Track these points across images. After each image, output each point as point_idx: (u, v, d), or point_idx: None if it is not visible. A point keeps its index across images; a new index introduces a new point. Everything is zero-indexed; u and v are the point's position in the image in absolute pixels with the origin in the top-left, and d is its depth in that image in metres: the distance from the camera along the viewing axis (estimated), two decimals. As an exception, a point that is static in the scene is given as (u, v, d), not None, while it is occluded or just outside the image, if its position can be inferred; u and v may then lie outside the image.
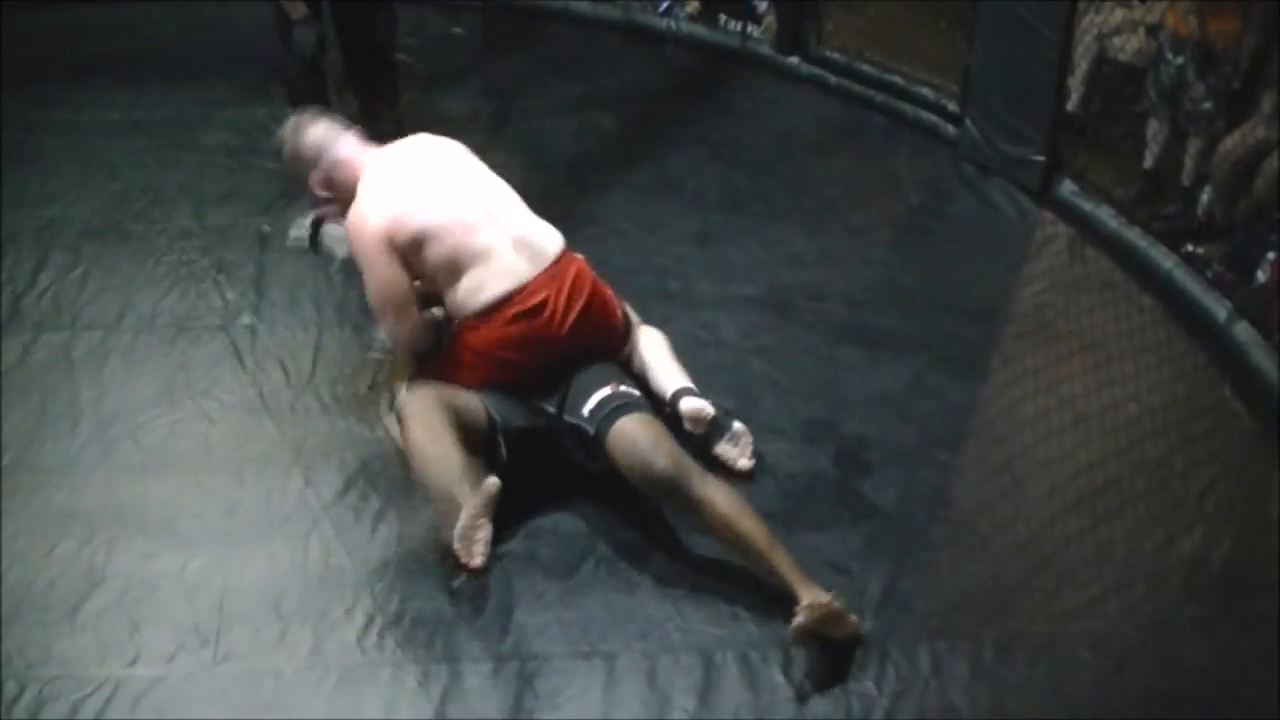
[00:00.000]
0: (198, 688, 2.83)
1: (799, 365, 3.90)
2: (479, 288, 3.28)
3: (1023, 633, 3.02)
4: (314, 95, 4.57)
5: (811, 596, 2.86)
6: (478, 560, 3.05)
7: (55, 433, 3.55)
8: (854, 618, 2.93)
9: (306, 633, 2.96)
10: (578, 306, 3.34)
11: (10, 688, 2.79)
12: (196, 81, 5.74)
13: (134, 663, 2.87)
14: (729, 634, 2.97)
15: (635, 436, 3.14)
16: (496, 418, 3.27)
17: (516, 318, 3.28)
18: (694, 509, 3.05)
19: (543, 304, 3.30)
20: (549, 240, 3.39)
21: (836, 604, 2.87)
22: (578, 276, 3.37)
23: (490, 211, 3.35)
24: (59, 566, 3.12)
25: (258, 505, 3.32)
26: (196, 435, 3.56)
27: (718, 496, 3.04)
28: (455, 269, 3.29)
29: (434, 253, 3.27)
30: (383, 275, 3.30)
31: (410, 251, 3.28)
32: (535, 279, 3.30)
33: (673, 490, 3.07)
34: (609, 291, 3.47)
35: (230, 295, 4.17)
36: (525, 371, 3.33)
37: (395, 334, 3.40)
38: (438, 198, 3.32)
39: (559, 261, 3.36)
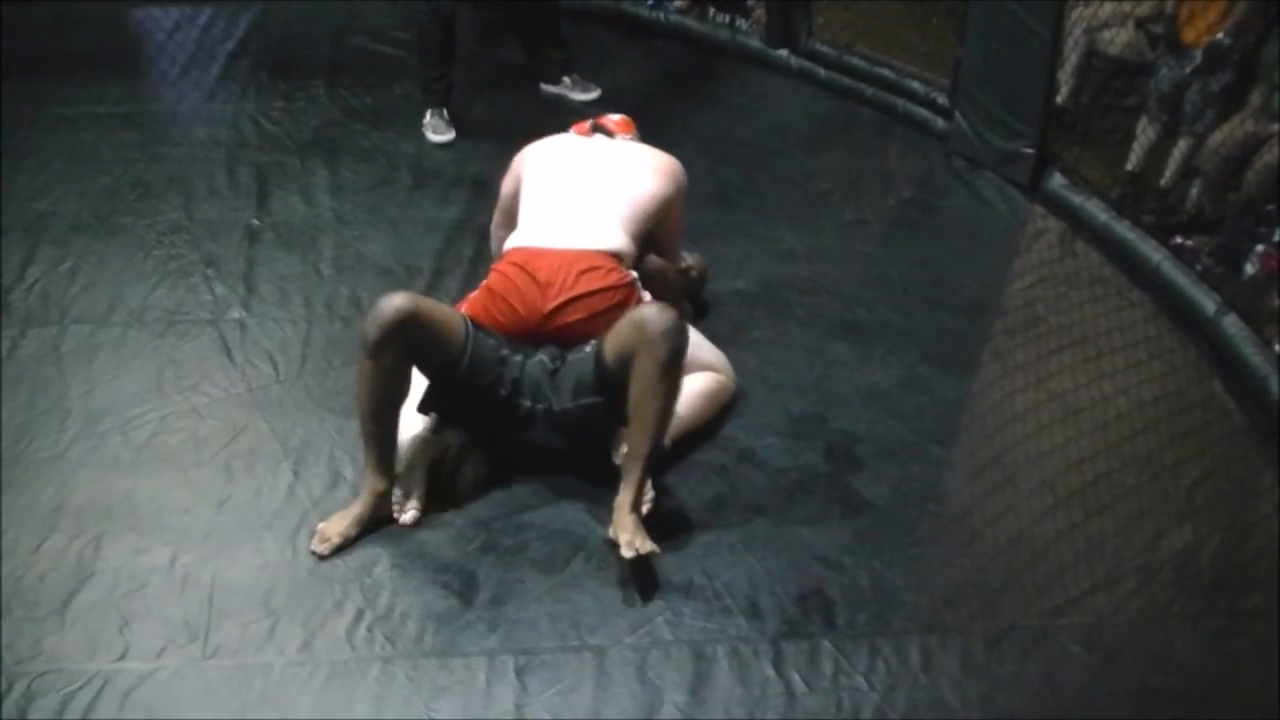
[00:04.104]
0: (187, 683, 2.81)
1: (790, 360, 3.90)
2: (523, 227, 3.59)
3: (1013, 627, 3.02)
4: (443, 50, 5.10)
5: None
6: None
7: (44, 428, 3.54)
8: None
9: (296, 627, 2.95)
10: (572, 301, 3.38)
11: (-1, 683, 2.78)
12: (186, 76, 5.74)
13: (123, 657, 2.86)
14: (719, 627, 2.97)
15: None
16: (471, 338, 3.27)
17: (518, 266, 3.44)
18: None
19: (541, 269, 3.40)
20: (594, 235, 3.49)
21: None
22: (591, 280, 3.39)
23: (583, 193, 3.58)
24: (48, 562, 3.10)
25: (247, 500, 3.31)
26: (185, 430, 3.55)
27: None
28: (526, 206, 3.64)
29: (525, 189, 3.69)
30: (504, 183, 3.85)
31: (519, 181, 3.74)
32: (556, 250, 3.44)
33: None
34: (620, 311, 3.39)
35: (219, 290, 4.16)
36: (505, 329, 3.41)
37: (493, 222, 3.97)
38: (560, 159, 3.71)
39: (584, 255, 3.43)
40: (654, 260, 3.72)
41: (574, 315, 3.39)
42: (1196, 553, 3.24)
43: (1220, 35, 4.54)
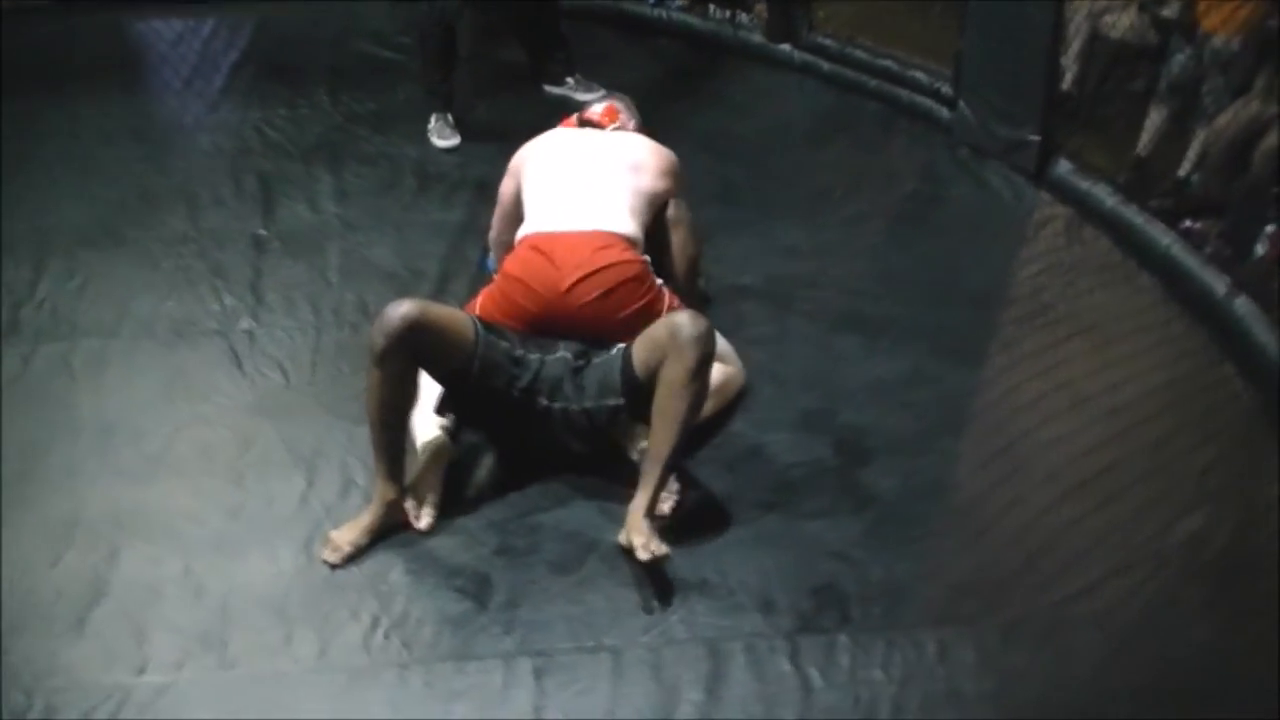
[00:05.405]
0: (206, 693, 2.82)
1: (796, 355, 3.90)
2: (531, 216, 3.63)
3: (1026, 617, 3.02)
4: (444, 54, 5.13)
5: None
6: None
7: (57, 443, 3.55)
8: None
9: (312, 635, 2.95)
10: (587, 277, 3.42)
11: (18, 699, 2.78)
12: (189, 86, 5.76)
13: (142, 671, 2.87)
14: (734, 624, 2.97)
15: None
16: (481, 341, 3.28)
17: (532, 249, 3.50)
18: None
19: (556, 250, 3.46)
20: (606, 219, 3.54)
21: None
22: (606, 257, 3.45)
23: (586, 181, 3.64)
24: (64, 576, 3.11)
25: (260, 509, 3.32)
26: (197, 440, 3.56)
27: None
28: (531, 198, 3.69)
29: (528, 179, 3.74)
30: (503, 184, 3.89)
31: (519, 180, 3.79)
32: (568, 233, 3.50)
33: None
34: (646, 301, 3.46)
35: (228, 299, 4.17)
36: (525, 313, 3.46)
37: (492, 228, 4.03)
38: (557, 151, 3.77)
39: (597, 235, 3.48)
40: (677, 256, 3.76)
41: (592, 291, 3.42)
42: (1208, 539, 3.23)
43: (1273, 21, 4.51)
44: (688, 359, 3.11)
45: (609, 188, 3.63)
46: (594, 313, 3.43)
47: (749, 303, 4.13)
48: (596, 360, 3.37)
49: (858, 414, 3.65)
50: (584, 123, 3.96)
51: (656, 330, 3.23)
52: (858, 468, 3.45)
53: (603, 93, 5.46)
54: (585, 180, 3.65)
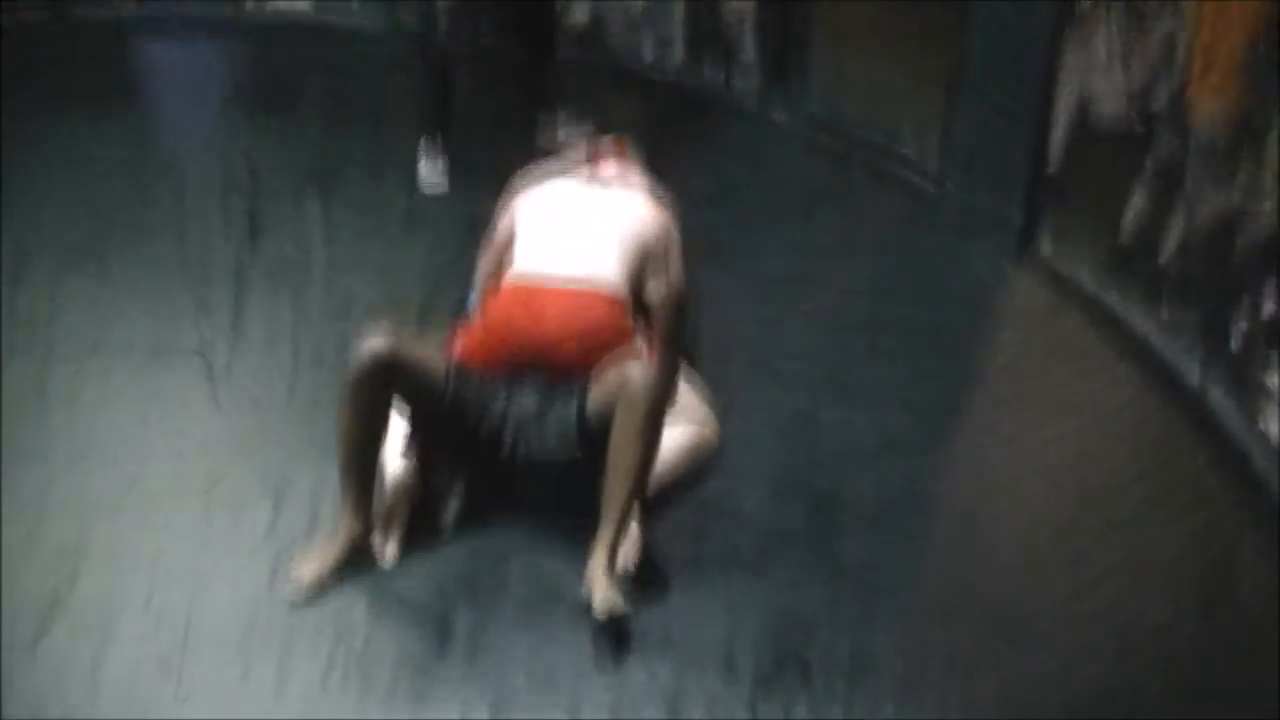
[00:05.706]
0: (158, 724, 2.79)
1: (774, 421, 3.89)
2: (521, 259, 3.59)
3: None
4: (442, 104, 5.25)
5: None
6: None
7: (25, 464, 3.51)
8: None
9: (269, 671, 2.92)
10: (570, 338, 3.39)
11: (-34, 717, 2.75)
12: (182, 114, 5.77)
13: (95, 697, 2.83)
14: (695, 685, 2.95)
15: None
16: (452, 380, 3.29)
17: (517, 299, 3.46)
18: None
19: (540, 305, 3.42)
20: (595, 271, 3.51)
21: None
22: (591, 318, 3.42)
23: (582, 228, 3.63)
24: (21, 599, 3.07)
25: (225, 539, 3.29)
26: (167, 469, 3.53)
27: None
28: (523, 242, 3.66)
29: (522, 221, 3.72)
30: (498, 219, 3.86)
31: (511, 209, 3.80)
32: (555, 289, 3.46)
33: None
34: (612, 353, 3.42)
35: (206, 329, 4.15)
36: (503, 358, 3.41)
37: (480, 260, 3.92)
38: (558, 202, 3.77)
39: (585, 290, 3.46)
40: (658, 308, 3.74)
41: (572, 351, 3.39)
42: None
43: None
44: (638, 410, 3.12)
45: (601, 244, 3.61)
46: (574, 365, 3.41)
47: (730, 366, 4.11)
48: (559, 406, 3.35)
49: (834, 481, 3.63)
50: (591, 177, 3.94)
51: (608, 380, 3.23)
52: (831, 535, 3.43)
53: (588, 128, 5.41)
54: (578, 234, 3.64)
